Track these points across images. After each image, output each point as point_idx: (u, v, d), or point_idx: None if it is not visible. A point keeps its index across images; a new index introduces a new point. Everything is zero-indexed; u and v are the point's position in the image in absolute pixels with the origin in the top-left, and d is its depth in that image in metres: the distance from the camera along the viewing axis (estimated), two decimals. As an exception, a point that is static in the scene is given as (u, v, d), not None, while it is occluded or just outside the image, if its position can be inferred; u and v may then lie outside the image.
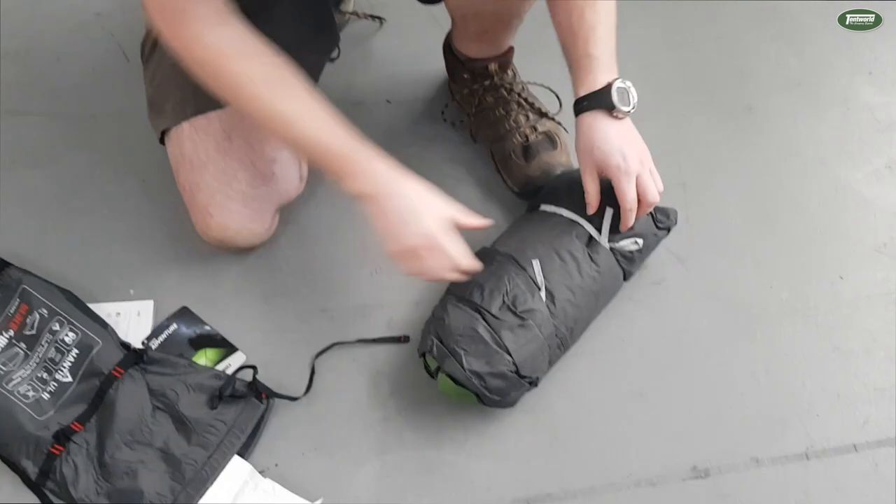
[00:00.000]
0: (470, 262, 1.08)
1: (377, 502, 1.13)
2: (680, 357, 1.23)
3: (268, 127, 1.06)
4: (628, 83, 1.12)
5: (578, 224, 1.19)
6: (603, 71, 1.12)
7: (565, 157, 1.36)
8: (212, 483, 1.12)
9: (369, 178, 1.05)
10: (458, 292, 1.15)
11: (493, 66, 1.38)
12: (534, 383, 1.13)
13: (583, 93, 1.13)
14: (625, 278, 1.23)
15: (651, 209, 1.16)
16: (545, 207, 1.23)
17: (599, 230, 1.18)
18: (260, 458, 1.17)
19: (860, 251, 1.32)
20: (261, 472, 1.15)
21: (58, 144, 1.49)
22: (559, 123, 1.40)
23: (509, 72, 1.41)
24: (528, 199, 1.32)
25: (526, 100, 1.40)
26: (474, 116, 1.43)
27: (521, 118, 1.38)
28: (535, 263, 1.14)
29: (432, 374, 1.15)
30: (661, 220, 1.22)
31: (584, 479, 1.13)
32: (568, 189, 1.22)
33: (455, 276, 1.07)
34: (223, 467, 1.13)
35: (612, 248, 1.18)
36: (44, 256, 1.33)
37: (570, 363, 1.22)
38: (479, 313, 1.11)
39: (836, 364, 1.21)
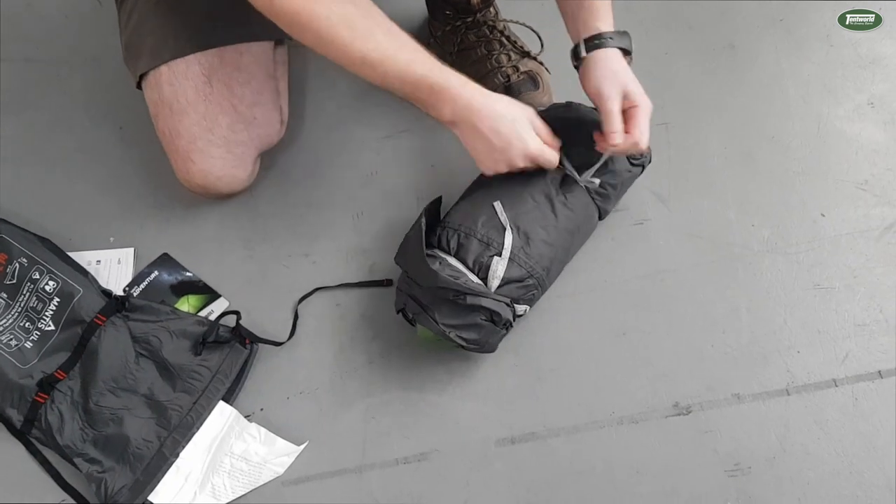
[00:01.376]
0: (553, 157, 1.12)
1: (363, 445, 1.14)
2: (661, 296, 1.23)
3: (359, 67, 1.04)
4: None
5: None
6: (610, 13, 1.15)
7: (547, 98, 1.35)
8: (197, 428, 1.13)
9: (465, 104, 1.06)
10: (432, 240, 1.16)
11: (475, 0, 1.36)
12: (509, 326, 1.13)
13: (605, 28, 1.13)
14: (600, 217, 1.23)
15: (629, 152, 1.15)
16: None
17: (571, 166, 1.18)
18: (245, 403, 1.17)
19: (841, 188, 1.31)
20: (246, 417, 1.16)
21: (31, 91, 1.47)
22: (541, 63, 1.38)
23: (492, 9, 1.39)
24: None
25: (508, 38, 1.38)
26: (456, 55, 1.40)
27: (504, 58, 1.37)
28: (497, 205, 1.14)
29: (412, 323, 1.16)
30: (635, 157, 1.21)
31: (567, 417, 1.14)
32: None
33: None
34: (209, 413, 1.14)
35: (586, 187, 1.18)
36: (21, 205, 1.32)
37: (553, 304, 1.23)
38: (454, 268, 1.11)
39: (817, 300, 1.22)
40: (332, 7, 1.00)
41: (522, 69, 1.36)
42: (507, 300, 1.11)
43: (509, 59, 1.37)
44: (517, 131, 1.08)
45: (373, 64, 1.03)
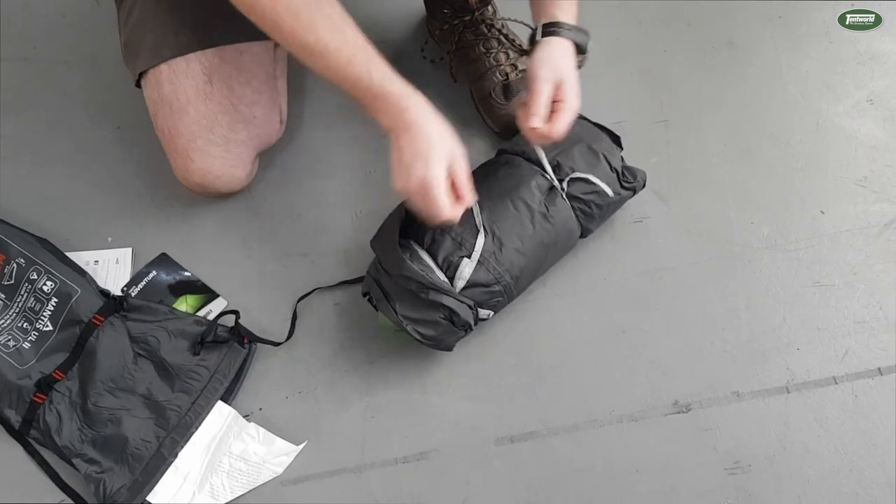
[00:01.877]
0: (450, 217, 1.05)
1: (362, 444, 1.13)
2: (661, 294, 1.23)
3: (301, 56, 1.03)
4: None
5: (539, 173, 1.18)
6: (574, 6, 1.15)
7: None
8: (196, 428, 1.13)
9: (395, 114, 1.03)
10: (407, 231, 1.16)
11: (473, 0, 1.36)
12: (468, 328, 1.13)
13: (563, 18, 1.14)
14: (582, 235, 1.22)
15: (547, 140, 1.13)
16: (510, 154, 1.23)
17: (544, 169, 1.18)
18: (244, 403, 1.17)
19: (841, 185, 1.31)
20: (245, 417, 1.15)
21: (29, 90, 1.46)
22: (540, 61, 1.38)
23: (490, 7, 1.39)
24: (508, 139, 1.30)
25: (506, 36, 1.38)
26: (454, 54, 1.40)
27: (502, 56, 1.36)
28: (475, 207, 1.13)
29: (376, 309, 1.16)
30: (627, 179, 1.21)
31: (566, 416, 1.14)
32: None
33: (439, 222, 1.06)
34: (207, 412, 1.14)
35: (571, 205, 1.17)
36: (19, 205, 1.31)
37: (552, 302, 1.22)
38: (423, 261, 1.12)
39: (817, 298, 1.22)
40: None
41: (521, 67, 1.36)
42: (471, 303, 1.11)
43: (507, 57, 1.36)
44: (430, 157, 1.02)
45: (313, 56, 1.02)
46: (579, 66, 1.15)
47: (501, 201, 1.15)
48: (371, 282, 1.14)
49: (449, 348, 1.15)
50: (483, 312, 1.13)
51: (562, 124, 1.11)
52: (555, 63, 1.12)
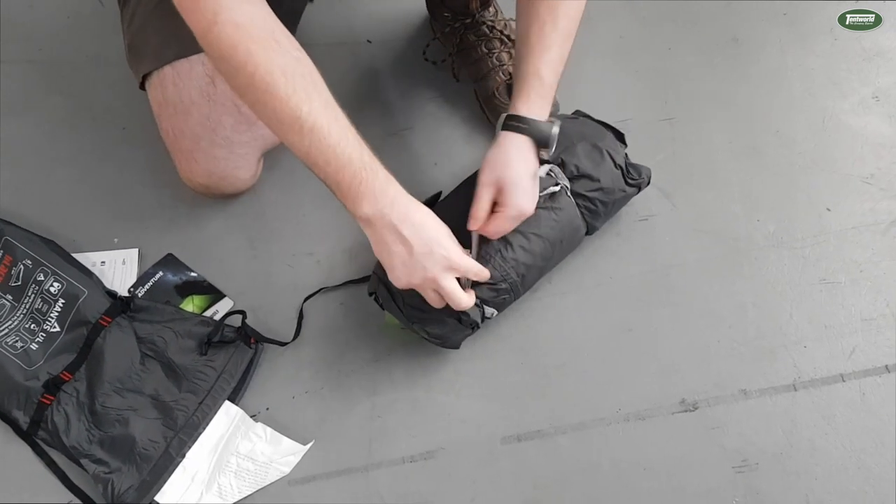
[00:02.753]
0: (468, 304, 1.05)
1: (369, 443, 1.13)
2: (668, 291, 1.23)
3: (283, 128, 0.95)
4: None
5: (545, 172, 1.16)
6: (545, 98, 1.10)
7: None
8: (203, 428, 1.13)
9: (389, 201, 0.98)
10: None
11: (473, 4, 1.35)
12: (475, 326, 1.13)
13: (525, 113, 1.09)
14: (588, 232, 1.22)
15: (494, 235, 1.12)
16: None
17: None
18: (251, 403, 1.17)
19: (847, 182, 1.31)
20: (252, 417, 1.15)
21: (34, 92, 1.47)
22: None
23: (491, 8, 1.39)
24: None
25: (509, 37, 1.38)
26: (456, 55, 1.40)
27: (505, 55, 1.36)
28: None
29: (382, 308, 1.16)
30: (632, 176, 1.20)
31: (573, 414, 1.14)
32: None
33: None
34: (214, 412, 1.14)
35: (576, 202, 1.17)
36: (25, 207, 1.32)
37: (558, 300, 1.22)
38: None
39: (824, 295, 1.21)
40: (274, 55, 0.93)
41: (525, 66, 1.35)
42: (477, 301, 1.10)
43: (510, 56, 1.36)
44: (440, 239, 1.00)
45: (302, 129, 0.94)
46: (546, 159, 1.12)
47: None
48: (377, 281, 1.14)
49: (456, 346, 1.15)
50: (488, 310, 1.13)
51: (497, 227, 1.09)
52: (502, 165, 1.08)
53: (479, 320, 1.12)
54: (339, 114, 0.97)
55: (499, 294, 1.13)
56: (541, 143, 1.09)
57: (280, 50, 0.94)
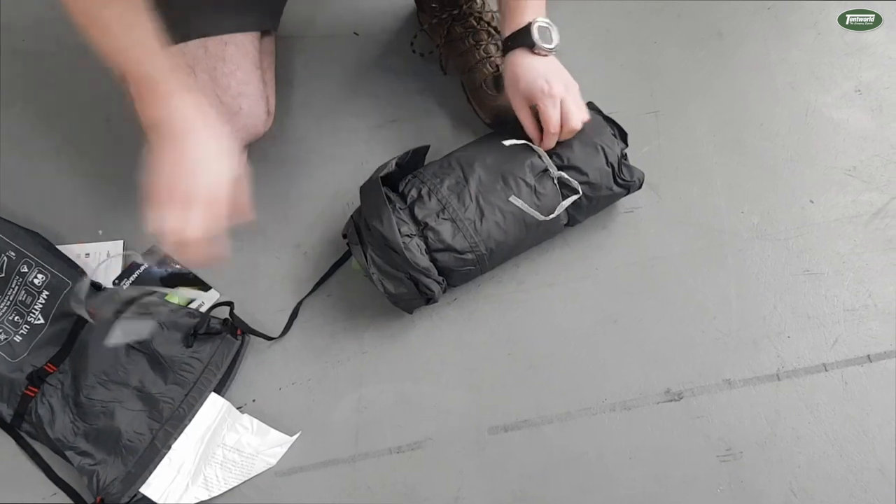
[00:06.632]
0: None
1: (355, 434, 1.14)
2: (652, 283, 1.24)
3: (86, 32, 0.93)
4: (549, 21, 1.15)
5: (535, 154, 1.18)
6: (527, 12, 1.15)
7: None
8: (190, 420, 1.13)
9: (170, 109, 0.95)
10: (399, 185, 1.18)
11: (461, -6, 1.36)
12: (430, 299, 1.14)
13: (507, 33, 1.16)
14: (570, 223, 1.22)
15: (572, 136, 1.17)
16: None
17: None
18: (237, 395, 1.17)
19: (830, 175, 1.32)
20: (239, 408, 1.15)
21: (16, 83, 1.45)
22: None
23: (478, 0, 1.39)
24: (499, 130, 1.30)
25: (496, 28, 1.38)
26: (444, 47, 1.40)
27: (492, 48, 1.36)
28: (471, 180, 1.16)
29: (349, 253, 1.18)
30: (623, 177, 1.20)
31: (559, 404, 1.15)
32: None
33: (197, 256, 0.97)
34: (200, 404, 1.14)
35: (561, 192, 1.17)
36: (8, 198, 1.31)
37: (545, 292, 1.23)
38: (401, 216, 1.13)
39: (807, 286, 1.22)
40: None
41: (511, 58, 1.36)
42: (440, 280, 1.13)
43: (497, 48, 1.36)
44: (208, 163, 0.95)
45: (102, 32, 0.93)
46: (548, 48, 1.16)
47: (492, 173, 1.15)
48: (351, 225, 1.16)
49: (408, 310, 1.17)
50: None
51: (551, 119, 1.13)
52: (514, 83, 1.16)
53: (434, 295, 1.13)
54: (140, 19, 0.94)
55: (465, 264, 1.14)
56: (529, 45, 1.15)
57: None
